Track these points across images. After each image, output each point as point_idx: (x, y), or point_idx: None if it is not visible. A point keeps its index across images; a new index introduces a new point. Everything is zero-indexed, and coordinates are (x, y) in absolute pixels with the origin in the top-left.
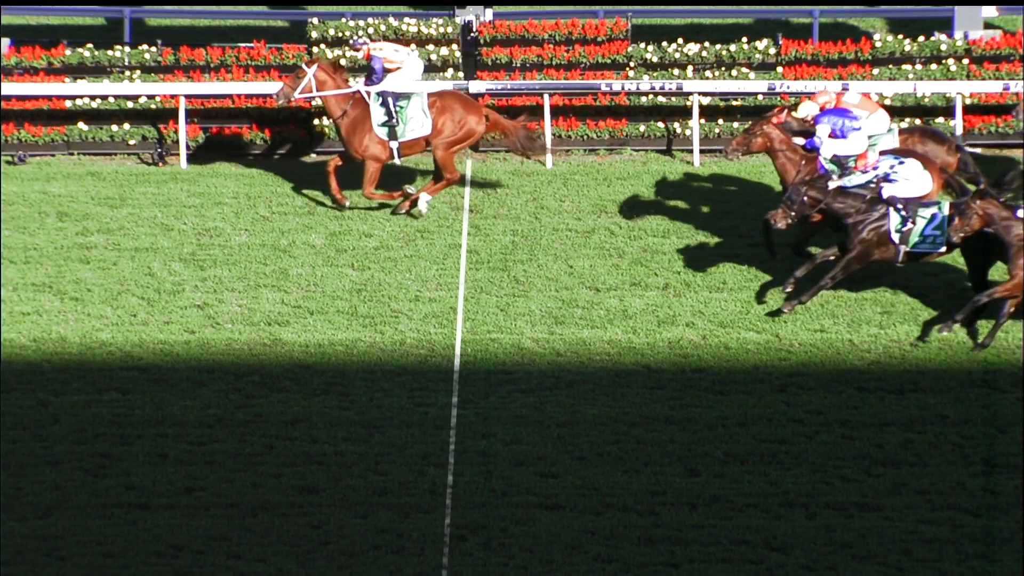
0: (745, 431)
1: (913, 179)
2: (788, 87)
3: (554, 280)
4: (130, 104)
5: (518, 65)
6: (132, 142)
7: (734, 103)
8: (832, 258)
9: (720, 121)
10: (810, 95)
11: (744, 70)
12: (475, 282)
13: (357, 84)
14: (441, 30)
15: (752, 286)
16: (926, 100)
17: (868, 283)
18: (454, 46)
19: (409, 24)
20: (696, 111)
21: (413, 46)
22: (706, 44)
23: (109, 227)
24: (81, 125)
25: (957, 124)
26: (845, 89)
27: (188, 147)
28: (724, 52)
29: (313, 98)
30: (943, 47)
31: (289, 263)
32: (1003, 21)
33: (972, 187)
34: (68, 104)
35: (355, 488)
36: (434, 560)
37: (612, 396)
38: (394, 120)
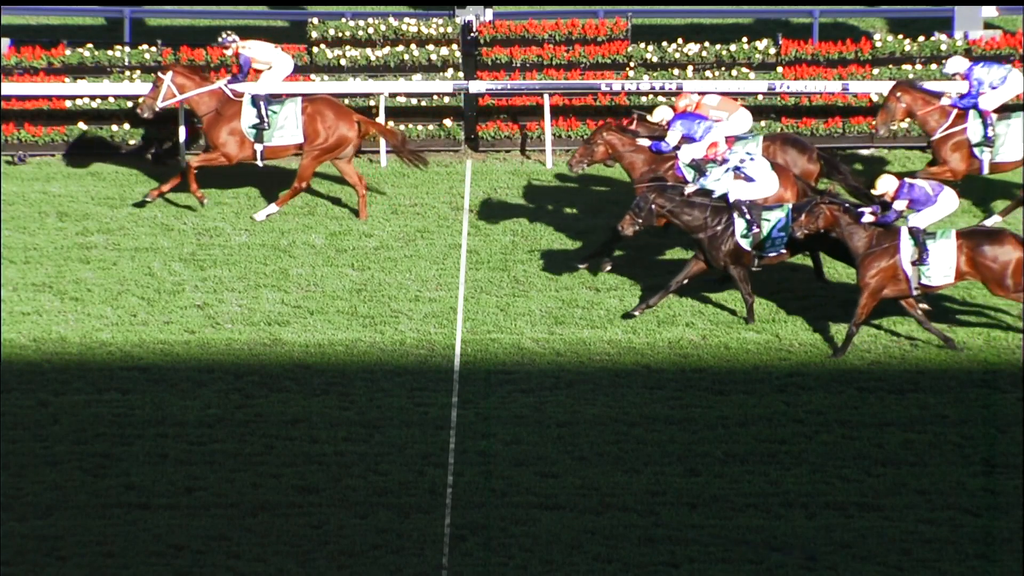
0: (745, 431)
1: (760, 179)
2: (788, 87)
3: (554, 280)
4: (130, 104)
5: (518, 65)
6: (132, 142)
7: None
8: (686, 282)
9: None
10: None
11: (744, 70)
12: (475, 282)
13: (220, 82)
14: (441, 30)
15: (753, 286)
16: None
17: None
18: (454, 46)
19: (409, 24)
20: None
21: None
22: (706, 44)
23: (109, 227)
24: (81, 125)
25: None
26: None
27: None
28: (724, 52)
29: (179, 103)
30: (943, 47)
31: (289, 263)
32: (1003, 21)
33: (846, 192)
34: (68, 104)
35: (355, 488)
36: (434, 560)
37: (612, 396)
38: (264, 124)
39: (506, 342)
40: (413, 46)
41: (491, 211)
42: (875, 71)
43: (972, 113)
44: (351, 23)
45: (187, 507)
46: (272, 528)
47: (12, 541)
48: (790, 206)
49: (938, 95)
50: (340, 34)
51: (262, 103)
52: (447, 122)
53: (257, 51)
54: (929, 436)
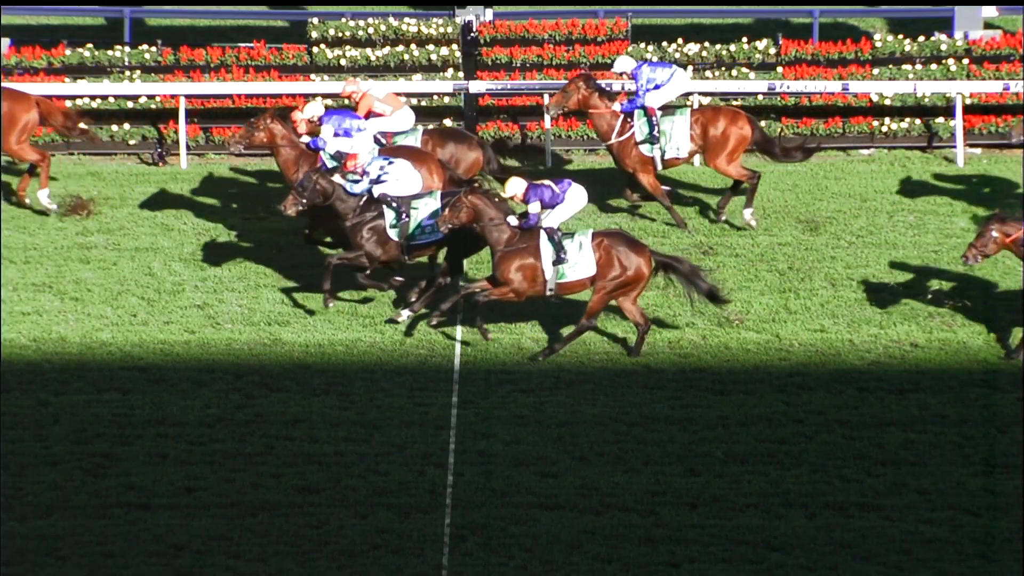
0: (745, 431)
1: (403, 179)
2: (788, 87)
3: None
4: (130, 104)
5: (518, 65)
6: (132, 142)
7: (734, 103)
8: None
9: None
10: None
11: (744, 70)
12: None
13: None
14: (441, 30)
15: (753, 286)
16: (926, 100)
17: (868, 283)
18: (454, 46)
19: (409, 24)
20: None
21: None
22: (706, 44)
23: (109, 227)
24: (81, 125)
25: (957, 124)
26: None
27: (188, 147)
28: (724, 52)
29: None
30: (943, 47)
31: (289, 263)
32: (1003, 21)
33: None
34: (68, 104)
35: (355, 488)
36: (434, 560)
37: (612, 396)
38: None
39: (506, 342)
40: (413, 46)
41: None
42: (875, 71)
43: (638, 112)
44: (351, 23)
45: (187, 507)
46: (272, 528)
47: (12, 541)
48: (439, 192)
49: (613, 98)
50: (340, 34)
51: None
52: (447, 122)
53: None
54: (929, 436)
